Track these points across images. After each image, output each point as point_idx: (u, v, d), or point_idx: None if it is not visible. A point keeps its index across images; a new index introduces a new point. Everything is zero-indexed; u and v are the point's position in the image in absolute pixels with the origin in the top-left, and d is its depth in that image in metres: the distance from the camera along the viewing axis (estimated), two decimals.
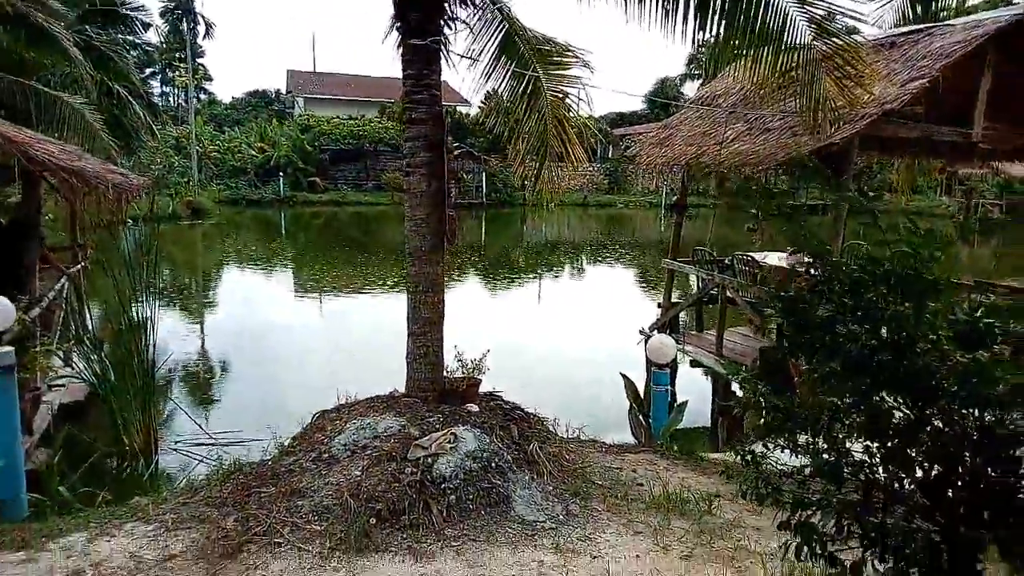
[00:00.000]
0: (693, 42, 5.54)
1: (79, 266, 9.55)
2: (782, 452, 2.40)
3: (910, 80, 7.39)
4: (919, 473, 2.18)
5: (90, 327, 8.87)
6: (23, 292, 7.16)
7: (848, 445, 2.27)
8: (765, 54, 5.93)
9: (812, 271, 2.16)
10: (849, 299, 2.03)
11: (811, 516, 2.07)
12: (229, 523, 4.02)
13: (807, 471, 2.26)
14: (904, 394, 2.03)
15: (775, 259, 9.99)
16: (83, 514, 4.43)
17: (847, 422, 2.22)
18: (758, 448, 2.34)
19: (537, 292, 19.33)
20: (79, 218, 8.15)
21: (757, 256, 9.61)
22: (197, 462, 6.53)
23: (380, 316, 14.32)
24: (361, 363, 10.47)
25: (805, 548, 2.04)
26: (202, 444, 7.04)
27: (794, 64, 6.04)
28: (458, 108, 39.43)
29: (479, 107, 28.59)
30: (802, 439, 2.29)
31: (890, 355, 1.95)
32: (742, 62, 6.52)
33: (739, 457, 2.37)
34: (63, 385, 7.39)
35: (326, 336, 13.37)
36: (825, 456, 2.20)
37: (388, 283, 18.49)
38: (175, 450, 7.09)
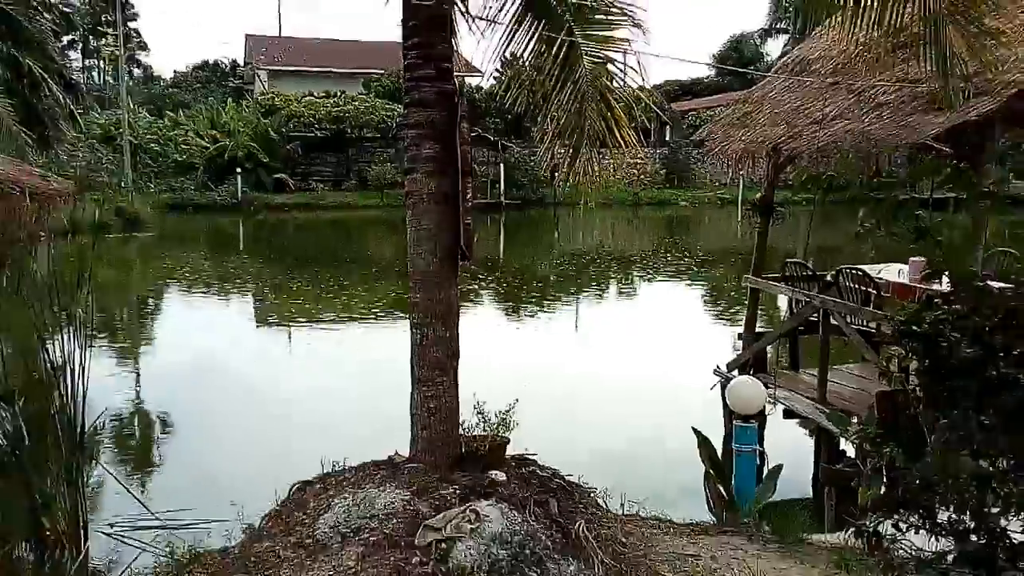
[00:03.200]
0: None
1: None
2: (916, 532, 2.41)
3: None
4: None
5: None
6: None
7: (1003, 523, 2.28)
8: (870, 3, 5.98)
9: (953, 300, 2.19)
10: (1002, 335, 2.05)
11: None
12: None
13: (950, 558, 2.27)
14: None
15: (894, 274, 9.94)
16: None
17: (1002, 492, 2.23)
18: (885, 527, 2.36)
19: (575, 320, 19.37)
20: None
21: (870, 270, 9.58)
22: (139, 551, 6.62)
23: (373, 355, 14.44)
24: (349, 418, 10.55)
25: None
26: (145, 527, 7.13)
27: (911, 16, 6.07)
28: (467, 80, 39.88)
29: (494, 77, 28.87)
30: (943, 515, 2.30)
31: None
32: (842, 15, 6.57)
33: (860, 539, 2.39)
34: None
35: (301, 381, 13.50)
36: (973, 538, 2.21)
37: (380, 313, 18.65)
38: (109, 535, 7.18)
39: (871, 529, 2.35)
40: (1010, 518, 2.29)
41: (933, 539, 2.41)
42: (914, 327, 2.20)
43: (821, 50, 9.75)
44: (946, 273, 2.29)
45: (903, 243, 2.52)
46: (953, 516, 2.31)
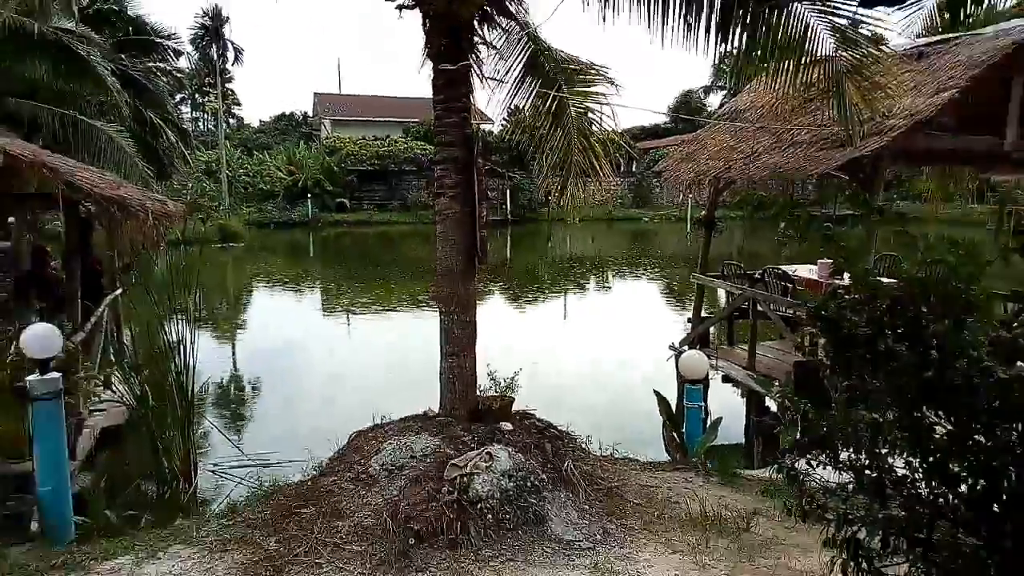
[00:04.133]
0: (715, 56, 5.58)
1: (117, 291, 9.80)
2: (824, 469, 2.41)
3: (939, 91, 7.35)
4: (963, 488, 2.18)
5: (129, 351, 9.08)
6: (67, 317, 7.37)
7: (891, 461, 2.27)
8: (787, 66, 5.95)
9: (852, 291, 2.19)
10: (889, 317, 2.05)
11: (856, 532, 2.08)
12: (271, 544, 4.10)
13: (850, 487, 2.27)
14: (946, 409, 2.04)
15: (806, 271, 9.93)
16: (128, 537, 4.53)
17: (889, 438, 2.23)
18: (801, 465, 2.35)
19: (564, 308, 19.35)
20: (118, 244, 8.38)
21: (788, 269, 9.56)
22: (236, 484, 6.65)
23: (410, 335, 14.45)
24: (393, 383, 10.57)
25: (852, 564, 2.05)
26: (240, 466, 7.16)
27: (817, 76, 6.04)
28: (482, 126, 39.79)
29: (502, 124, 28.82)
30: (844, 455, 2.30)
31: (931, 371, 1.96)
32: (765, 75, 6.54)
33: (781, 474, 2.38)
34: (104, 409, 7.57)
35: (357, 356, 13.52)
36: (868, 472, 2.20)
37: (417, 302, 18.66)
38: (213, 472, 7.21)
39: (790, 466, 2.34)
40: (895, 457, 2.29)
41: (837, 474, 2.40)
42: (823, 311, 2.20)
43: (750, 102, 9.72)
44: (846, 271, 2.28)
45: (814, 247, 2.51)
46: (852, 456, 2.30)
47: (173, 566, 3.99)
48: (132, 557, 4.12)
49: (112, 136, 11.34)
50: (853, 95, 6.18)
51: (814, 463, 2.38)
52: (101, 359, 8.28)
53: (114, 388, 7.81)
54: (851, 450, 2.29)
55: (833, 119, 6.79)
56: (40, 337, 4.97)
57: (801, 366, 7.40)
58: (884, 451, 2.26)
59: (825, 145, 7.75)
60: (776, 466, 2.44)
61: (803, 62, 5.90)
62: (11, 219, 13.66)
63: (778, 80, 6.04)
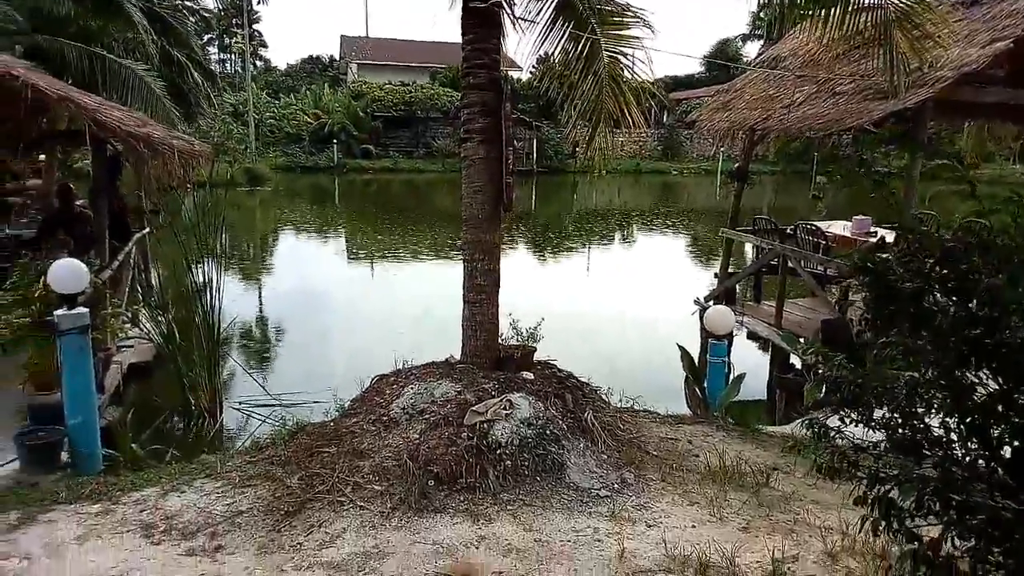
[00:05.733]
0: (759, 1, 5.33)
1: (145, 231, 9.88)
2: (856, 426, 2.33)
3: (992, 41, 6.96)
4: (1003, 451, 2.10)
5: (156, 289, 9.20)
6: (95, 255, 7.44)
7: (927, 421, 2.19)
8: (835, 13, 5.67)
9: (900, 242, 2.07)
10: (939, 270, 1.94)
11: (889, 491, 2.02)
12: (294, 481, 4.16)
13: (883, 446, 2.19)
14: (993, 369, 1.94)
15: (840, 228, 9.68)
16: (154, 470, 4.63)
17: (927, 397, 2.14)
18: (831, 422, 2.28)
19: (587, 261, 19.22)
20: (145, 183, 8.40)
21: (821, 225, 9.31)
22: (260, 422, 6.76)
23: (433, 283, 14.47)
24: (416, 329, 10.61)
25: (883, 523, 1.99)
26: (264, 404, 7.27)
27: (865, 24, 5.75)
28: (510, 73, 39.02)
29: (531, 72, 28.20)
30: (877, 413, 2.22)
31: (980, 329, 1.86)
32: (810, 23, 6.25)
33: (810, 430, 2.32)
34: (132, 346, 7.69)
35: (380, 301, 13.58)
36: (903, 431, 2.13)
37: (440, 250, 18.63)
38: (238, 409, 7.34)
39: (822, 423, 2.26)
40: (932, 417, 2.20)
41: (866, 432, 2.32)
42: (868, 264, 2.08)
43: (791, 49, 9.33)
44: (896, 222, 2.16)
45: (860, 196, 2.38)
46: (886, 414, 2.22)
47: (197, 499, 4.08)
48: (158, 489, 4.21)
49: (140, 75, 11.25)
50: (901, 43, 5.89)
51: (846, 420, 2.31)
52: (129, 297, 8.39)
53: (142, 325, 7.92)
54: (886, 408, 2.20)
55: (878, 69, 6.50)
56: (68, 272, 5.00)
57: (829, 323, 7.28)
58: (921, 410, 2.18)
59: (868, 95, 7.43)
60: (805, 421, 2.37)
61: (850, 8, 5.63)
62: (41, 157, 13.77)
63: (824, 27, 5.78)
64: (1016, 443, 2.03)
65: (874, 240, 8.45)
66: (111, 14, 11.65)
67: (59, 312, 4.82)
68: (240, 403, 7.47)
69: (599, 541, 3.74)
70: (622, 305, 12.88)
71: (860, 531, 2.04)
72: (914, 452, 2.06)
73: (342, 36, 49.88)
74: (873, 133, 7.35)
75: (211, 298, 7.40)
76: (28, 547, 3.57)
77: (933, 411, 2.16)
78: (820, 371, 2.52)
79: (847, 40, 6.32)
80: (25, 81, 5.70)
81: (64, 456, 4.82)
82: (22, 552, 3.52)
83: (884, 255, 2.09)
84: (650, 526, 3.93)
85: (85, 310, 4.95)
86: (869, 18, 5.68)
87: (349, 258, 18.99)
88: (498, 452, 4.34)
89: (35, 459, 4.69)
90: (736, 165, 10.59)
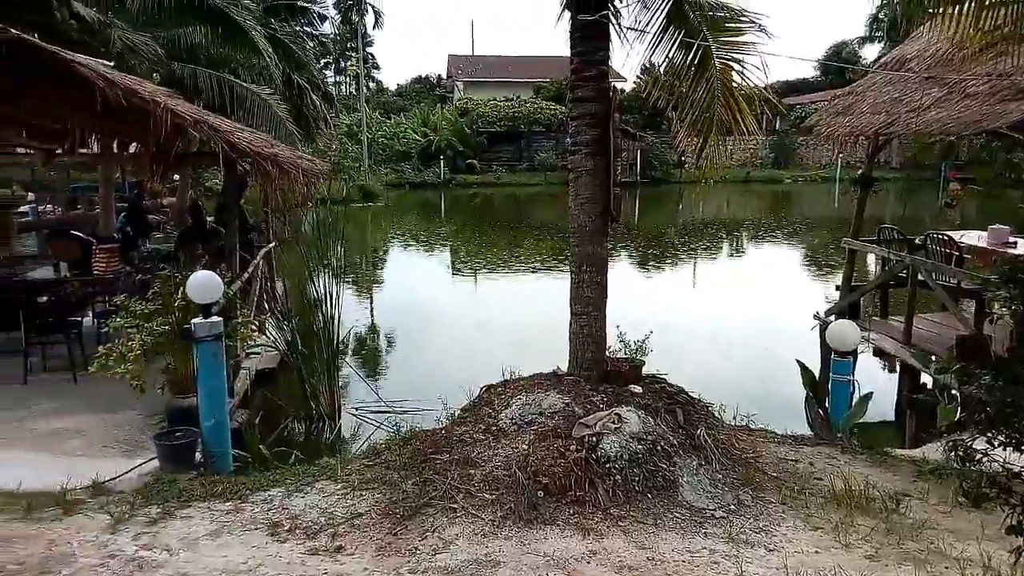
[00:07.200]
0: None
1: (271, 245, 10.53)
2: (1005, 449, 2.15)
3: None
4: None
5: (281, 300, 9.77)
6: (226, 267, 8.01)
7: None
8: (968, 9, 5.27)
9: None
10: None
11: None
12: (408, 486, 4.29)
13: None
14: None
15: (975, 239, 8.95)
16: (279, 471, 4.90)
17: None
18: (978, 444, 2.11)
19: (693, 273, 18.73)
20: (271, 201, 8.97)
21: (954, 235, 8.65)
22: (375, 427, 7.02)
23: (537, 295, 14.56)
24: (521, 340, 10.71)
25: None
26: (379, 411, 7.54)
27: (1004, 18, 5.31)
28: (616, 85, 38.73)
29: (635, 82, 27.89)
30: None
31: None
32: (941, 20, 5.84)
33: (952, 453, 2.15)
34: (259, 353, 8.20)
35: (486, 313, 13.81)
36: None
37: (543, 263, 18.73)
38: (355, 415, 7.66)
39: (967, 445, 2.10)
40: None
41: (1017, 455, 2.14)
42: (1019, 275, 1.93)
43: (917, 50, 8.77)
44: None
45: (1004, 205, 2.19)
46: None
47: (319, 500, 4.28)
48: (283, 489, 4.46)
49: (264, 98, 12.06)
50: None
51: (994, 443, 2.13)
52: (256, 307, 8.96)
53: (268, 334, 8.43)
54: None
55: (1018, 66, 5.99)
56: (203, 284, 5.39)
57: (965, 339, 6.73)
58: None
59: (1006, 96, 6.86)
60: (947, 444, 2.20)
61: (987, 2, 5.22)
62: (176, 177, 14.99)
63: (957, 25, 5.38)
64: None
65: (1013, 251, 7.77)
66: (239, 43, 12.53)
67: (196, 320, 5.21)
68: (356, 409, 7.78)
69: (716, 563, 3.62)
70: (735, 319, 12.46)
71: (1015, 563, 1.88)
72: None
73: (449, 55, 51.45)
74: (1015, 137, 6.77)
75: (330, 308, 7.77)
76: (167, 540, 3.85)
77: None
78: (958, 390, 2.34)
79: (983, 37, 5.85)
80: (166, 107, 6.23)
81: (198, 456, 5.17)
82: (162, 544, 3.80)
83: None
84: (770, 550, 3.77)
85: (219, 319, 5.33)
86: (1009, 12, 5.25)
87: (454, 271, 19.44)
88: (607, 466, 4.30)
89: (173, 458, 5.04)
90: (860, 172, 10.02)
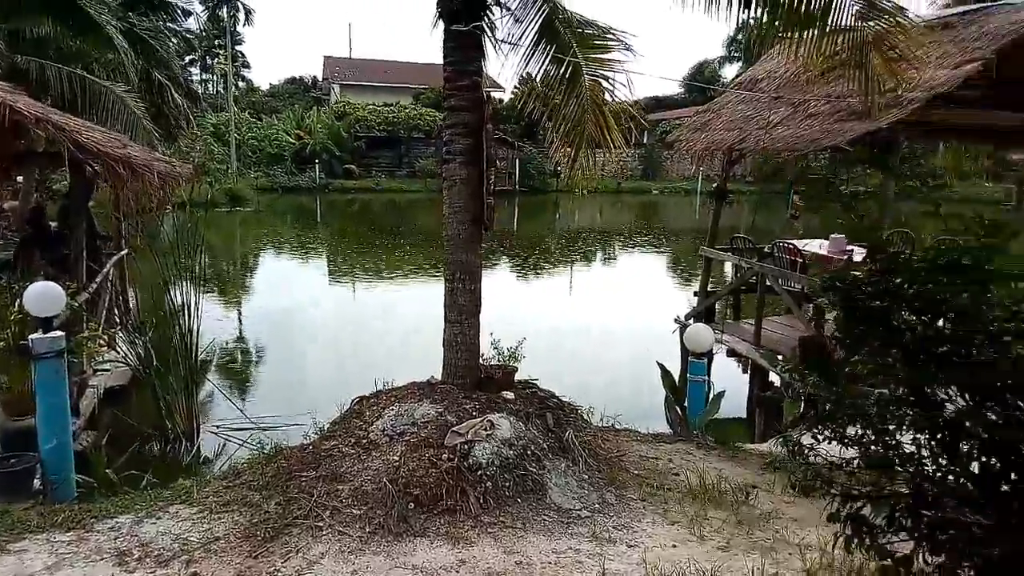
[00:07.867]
0: (737, 21, 5.42)
1: (123, 252, 9.79)
2: (829, 443, 2.36)
3: (963, 63, 7.15)
4: (971, 466, 2.13)
5: (133, 312, 9.10)
6: (70, 277, 7.36)
7: (898, 438, 2.22)
8: (811, 35, 5.77)
9: (869, 262, 2.12)
10: (907, 289, 1.98)
11: (861, 508, 2.04)
12: (271, 506, 4.10)
13: (856, 463, 2.22)
14: (961, 386, 1.98)
15: (816, 247, 9.81)
16: (129, 496, 4.54)
17: (897, 414, 2.18)
18: (806, 439, 2.31)
19: (569, 280, 19.28)
20: (123, 205, 8.34)
21: (798, 244, 9.44)
22: (238, 446, 6.67)
23: (415, 303, 14.44)
24: (396, 349, 10.57)
25: (855, 540, 2.01)
26: (242, 428, 7.18)
27: (842, 45, 5.86)
28: (492, 94, 39.20)
29: (513, 92, 28.47)
30: (850, 430, 2.25)
31: (948, 347, 1.90)
32: (785, 45, 6.36)
33: (786, 448, 2.34)
34: (108, 369, 7.60)
35: (361, 322, 13.53)
36: (875, 448, 2.16)
37: (422, 270, 18.61)
38: (216, 434, 7.25)
39: (797, 440, 2.29)
40: (903, 433, 2.23)
41: (840, 449, 2.35)
42: (837, 283, 2.13)
43: (768, 71, 9.52)
44: (864, 241, 2.21)
45: (829, 218, 2.42)
46: (859, 431, 2.25)
47: (173, 525, 4.01)
48: (132, 516, 4.13)
49: (119, 96, 11.22)
50: (877, 65, 6.01)
51: (820, 437, 2.33)
52: (106, 319, 8.29)
53: (118, 349, 7.82)
54: (858, 425, 2.24)
55: (853, 90, 6.62)
56: (42, 295, 4.94)
57: (806, 340, 7.35)
58: (892, 427, 2.21)
59: (842, 117, 7.59)
60: (781, 439, 2.39)
61: (828, 30, 5.73)
62: (19, 178, 13.63)
63: (801, 49, 5.87)
64: (984, 459, 2.06)
65: (846, 259, 8.59)
66: (90, 34, 11.60)
67: (35, 336, 4.75)
68: (217, 427, 7.37)
69: (580, 563, 3.73)
70: (603, 324, 12.93)
71: (834, 548, 2.06)
72: (886, 468, 2.09)
73: (325, 57, 50.07)
74: (849, 151, 7.49)
75: (189, 320, 7.33)
76: None
77: (904, 428, 2.19)
78: (798, 388, 2.55)
79: (826, 62, 6.44)
80: (4, 103, 5.66)
81: (37, 483, 4.71)
82: None
83: (854, 273, 2.13)
84: (631, 546, 3.92)
85: (60, 333, 4.89)
86: (846, 40, 5.79)
87: (330, 279, 18.91)
88: (479, 473, 4.32)
89: (6, 486, 4.58)
90: (715, 185, 10.73)
